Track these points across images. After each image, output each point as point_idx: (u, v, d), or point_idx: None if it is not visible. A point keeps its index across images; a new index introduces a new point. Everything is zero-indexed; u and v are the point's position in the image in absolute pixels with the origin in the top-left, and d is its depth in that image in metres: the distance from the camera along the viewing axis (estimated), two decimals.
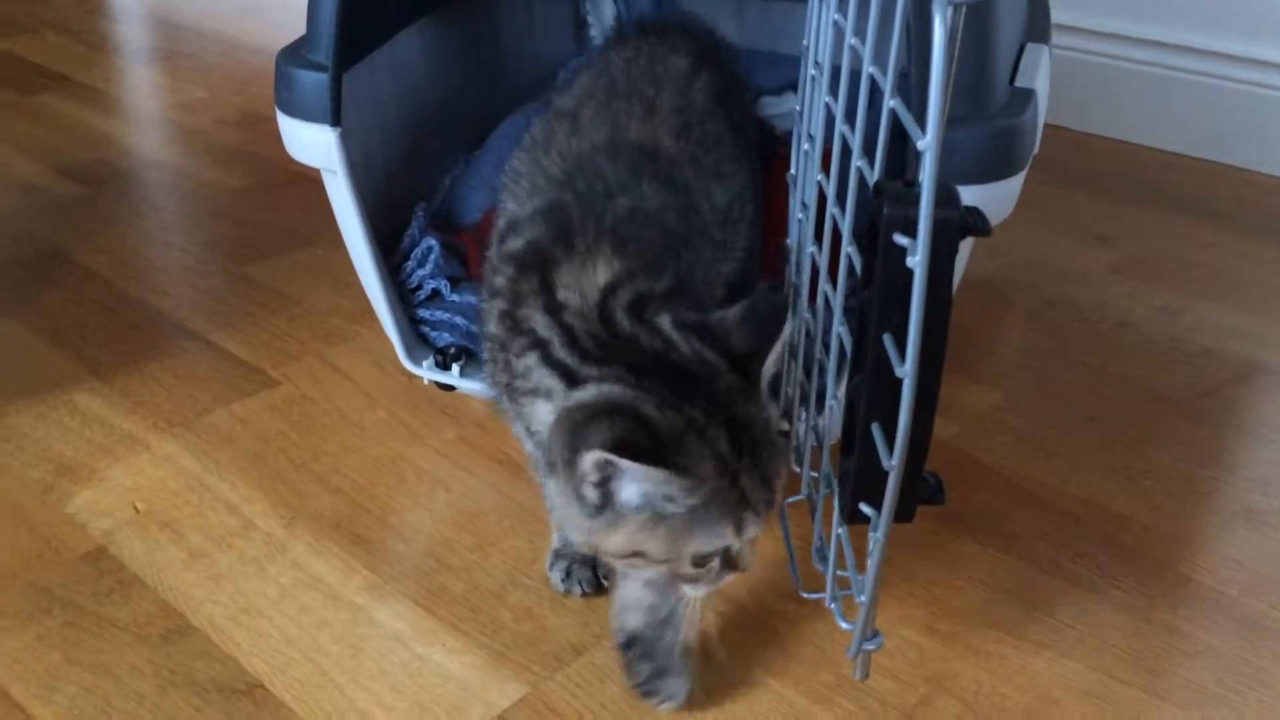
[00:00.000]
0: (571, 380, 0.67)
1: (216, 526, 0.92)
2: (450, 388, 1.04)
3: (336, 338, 1.20)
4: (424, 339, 1.04)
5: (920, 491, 0.62)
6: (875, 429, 0.60)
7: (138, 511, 0.93)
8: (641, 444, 0.62)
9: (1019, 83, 0.88)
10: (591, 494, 0.64)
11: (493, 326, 0.75)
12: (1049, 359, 1.24)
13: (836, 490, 0.69)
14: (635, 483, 0.63)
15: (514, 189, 0.86)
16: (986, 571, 0.91)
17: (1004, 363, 1.26)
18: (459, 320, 1.03)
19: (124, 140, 1.78)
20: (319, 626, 0.83)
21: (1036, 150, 0.90)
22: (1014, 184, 0.80)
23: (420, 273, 1.06)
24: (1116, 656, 0.82)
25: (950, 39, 0.50)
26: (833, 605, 0.72)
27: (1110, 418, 1.12)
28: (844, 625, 0.70)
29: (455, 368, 1.00)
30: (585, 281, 0.71)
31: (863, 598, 0.64)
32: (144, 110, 1.94)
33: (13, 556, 0.87)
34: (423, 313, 1.04)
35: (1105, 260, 1.46)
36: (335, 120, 0.92)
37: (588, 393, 0.66)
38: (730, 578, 0.70)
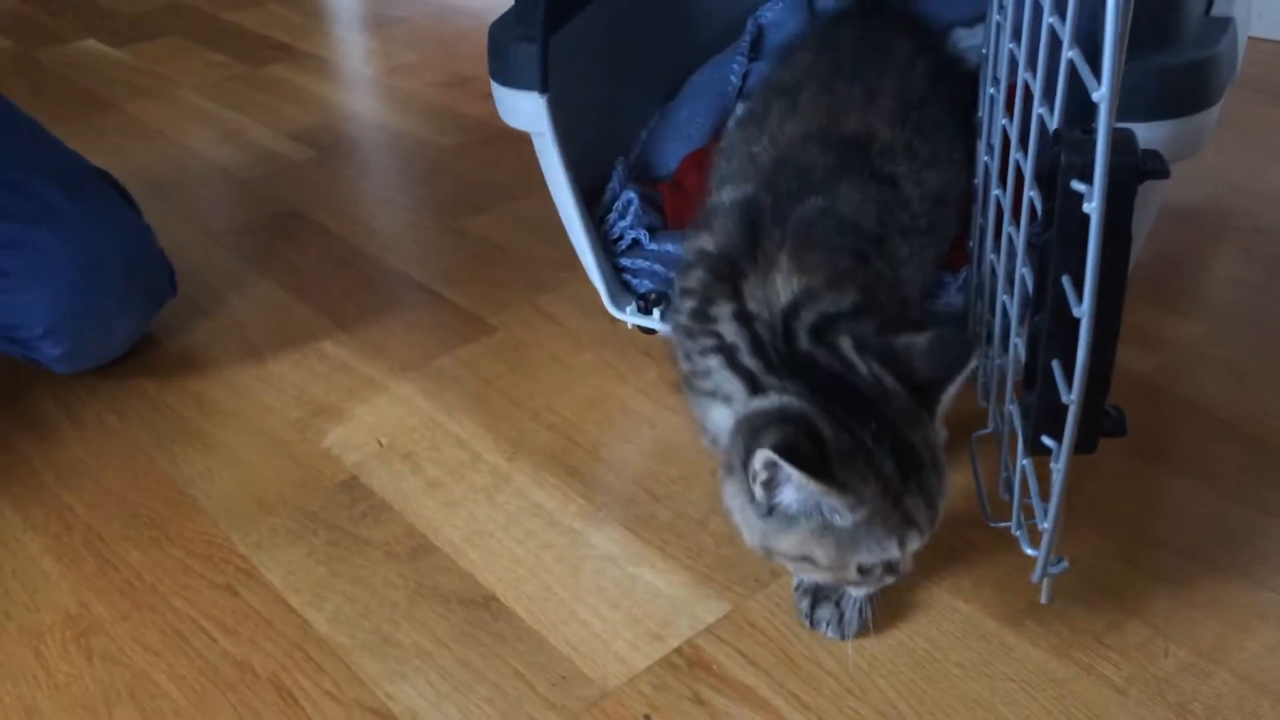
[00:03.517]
0: (754, 387, 0.71)
1: (449, 459, 1.03)
2: (652, 331, 1.11)
3: (545, 286, 1.29)
4: (626, 286, 1.11)
5: (1102, 424, 0.65)
6: (1055, 365, 0.63)
7: (382, 446, 1.05)
8: (806, 453, 0.65)
9: (1216, 12, 0.87)
10: (759, 494, 0.68)
11: (684, 318, 0.78)
12: (1258, 289, 1.21)
13: (1020, 423, 0.72)
14: (795, 489, 0.67)
15: (725, 167, 0.89)
16: (1182, 503, 0.92)
17: (1210, 293, 1.23)
18: (658, 268, 1.10)
19: (346, 105, 1.93)
20: (542, 548, 0.92)
21: (1236, 77, 0.89)
22: (1205, 119, 0.79)
23: (621, 224, 1.13)
24: None
25: None
26: (1018, 532, 0.76)
27: None
28: (1029, 551, 0.73)
29: (656, 312, 1.07)
30: (770, 294, 0.73)
31: (1046, 524, 0.68)
32: (362, 76, 2.08)
33: (282, 484, 1.01)
34: (624, 261, 1.12)
35: None
36: (544, 87, 1.00)
37: (768, 400, 0.70)
38: (890, 580, 0.74)
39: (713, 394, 0.75)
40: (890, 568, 0.72)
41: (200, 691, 0.81)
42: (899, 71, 0.92)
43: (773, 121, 0.88)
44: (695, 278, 0.78)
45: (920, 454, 0.69)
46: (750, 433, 0.68)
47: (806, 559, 0.70)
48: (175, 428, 1.09)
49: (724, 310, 0.74)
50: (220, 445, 1.06)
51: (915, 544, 0.71)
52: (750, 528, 0.72)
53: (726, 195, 0.83)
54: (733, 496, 0.72)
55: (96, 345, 1.13)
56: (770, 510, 0.69)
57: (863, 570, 0.71)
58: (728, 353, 0.73)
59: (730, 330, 0.74)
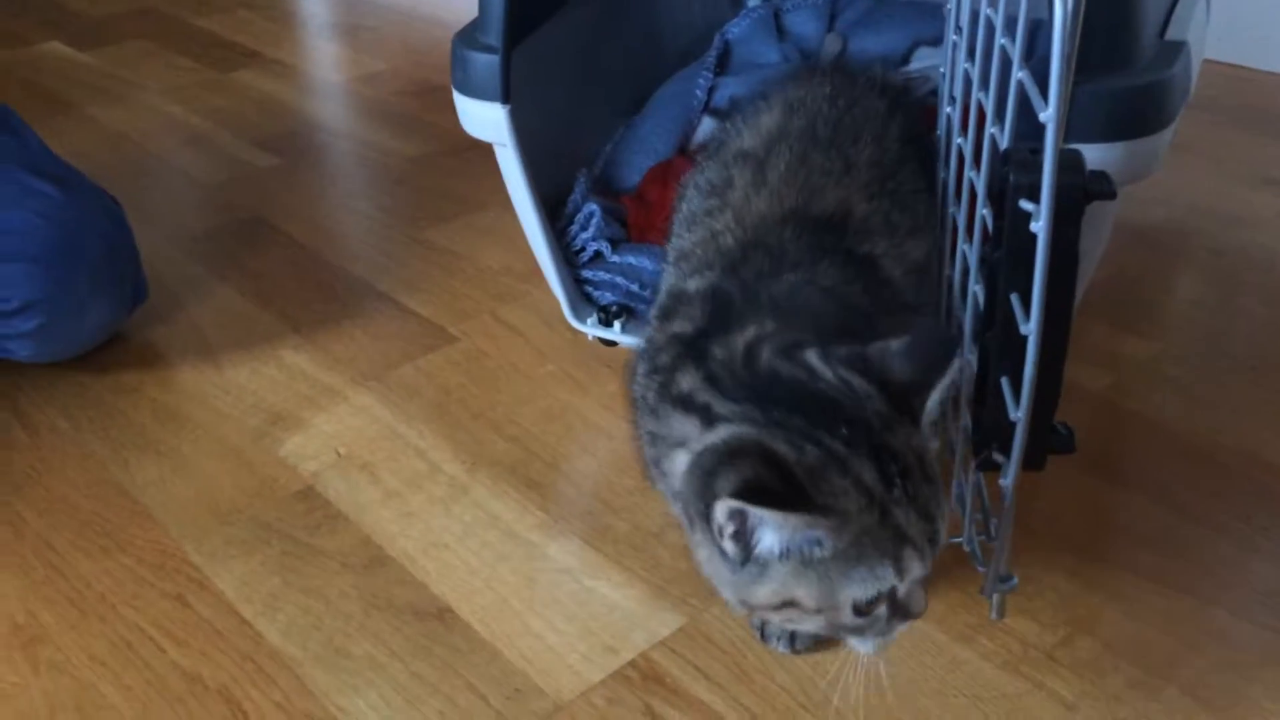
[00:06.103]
0: (708, 420, 0.64)
1: (407, 470, 1.02)
2: (612, 343, 1.11)
3: (508, 296, 1.29)
4: (588, 298, 1.11)
5: (1051, 441, 0.66)
6: (1004, 382, 0.63)
7: (339, 456, 1.04)
8: (772, 486, 0.57)
9: (1170, 35, 0.88)
10: (731, 548, 0.61)
11: (651, 394, 0.71)
12: (1213, 309, 1.23)
13: (972, 438, 0.73)
14: (773, 530, 0.59)
15: (687, 239, 0.83)
16: (1134, 519, 0.93)
17: (1166, 313, 1.25)
18: (620, 280, 1.10)
19: (313, 113, 1.92)
20: (498, 560, 0.92)
21: (1190, 100, 0.90)
22: (1158, 141, 0.80)
23: (583, 236, 1.13)
24: (1260, 603, 0.84)
25: (1073, 16, 0.53)
26: (969, 548, 0.76)
27: (1274, 368, 1.11)
28: (979, 567, 0.74)
29: (617, 324, 1.07)
30: (735, 340, 0.68)
31: (995, 540, 0.68)
32: (330, 83, 2.07)
33: (237, 494, 1.00)
34: (586, 273, 1.12)
35: (1278, 206, 1.42)
36: (505, 98, 1.00)
37: (718, 434, 0.63)
38: (902, 628, 0.64)
39: (675, 444, 0.67)
40: (896, 606, 0.63)
41: (147, 703, 0.80)
42: (874, 136, 0.85)
43: (737, 194, 0.81)
44: (665, 358, 0.71)
45: (904, 459, 0.61)
46: (702, 479, 0.61)
47: (790, 604, 0.62)
48: (129, 435, 1.08)
49: (687, 372, 0.68)
50: (175, 453, 1.05)
51: (915, 568, 0.61)
52: (723, 583, 0.65)
53: (691, 284, 0.76)
54: (701, 550, 0.66)
55: (68, 329, 1.12)
56: (744, 561, 0.62)
57: (859, 610, 0.62)
58: (684, 399, 0.67)
59: (687, 380, 0.67)
